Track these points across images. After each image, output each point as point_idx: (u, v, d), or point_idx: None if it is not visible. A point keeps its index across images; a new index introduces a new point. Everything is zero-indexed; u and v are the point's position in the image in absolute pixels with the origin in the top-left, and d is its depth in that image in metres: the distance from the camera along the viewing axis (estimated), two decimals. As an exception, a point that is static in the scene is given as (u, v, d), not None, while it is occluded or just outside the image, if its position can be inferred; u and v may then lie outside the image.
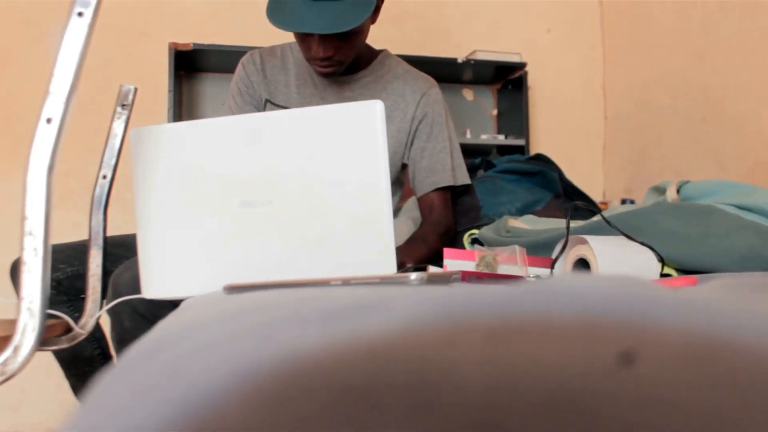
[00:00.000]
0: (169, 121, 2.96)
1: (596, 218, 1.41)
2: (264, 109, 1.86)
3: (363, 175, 1.14)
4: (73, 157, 2.74)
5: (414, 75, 1.91)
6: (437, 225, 1.80)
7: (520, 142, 3.31)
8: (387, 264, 1.11)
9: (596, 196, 3.54)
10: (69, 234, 2.06)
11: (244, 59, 1.91)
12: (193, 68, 3.24)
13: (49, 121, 1.02)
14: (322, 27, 1.56)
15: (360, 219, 1.13)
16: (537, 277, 0.75)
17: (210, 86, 3.28)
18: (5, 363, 1.00)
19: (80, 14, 1.03)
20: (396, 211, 2.03)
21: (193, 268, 1.20)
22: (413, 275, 0.64)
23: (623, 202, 3.30)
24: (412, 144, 1.86)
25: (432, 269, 0.97)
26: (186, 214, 1.19)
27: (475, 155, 3.41)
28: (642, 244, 0.97)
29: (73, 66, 1.02)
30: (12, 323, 1.03)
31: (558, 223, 1.47)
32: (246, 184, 1.17)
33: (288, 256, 1.15)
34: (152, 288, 1.23)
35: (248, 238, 1.17)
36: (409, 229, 1.85)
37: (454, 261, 0.91)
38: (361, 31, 1.69)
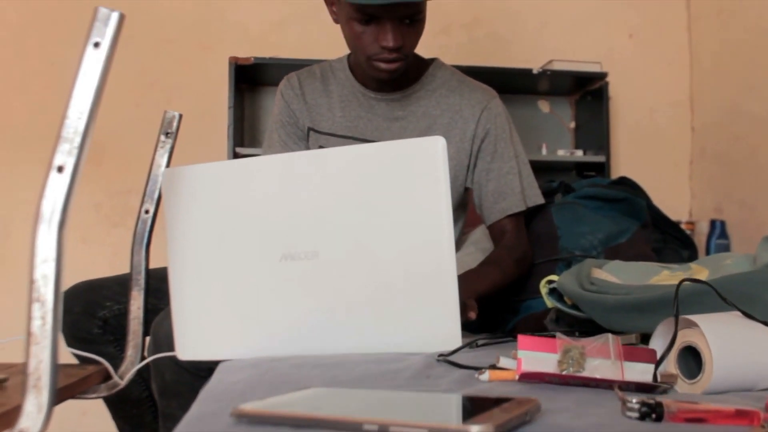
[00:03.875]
0: (229, 138, 2.85)
1: (692, 269, 1.21)
2: (307, 138, 1.71)
3: (422, 225, 0.98)
4: (134, 174, 2.66)
5: (471, 86, 1.71)
6: (513, 249, 1.62)
7: (600, 158, 3.09)
8: (450, 335, 0.95)
9: (682, 216, 3.30)
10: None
11: (281, 86, 1.75)
12: (255, 82, 3.13)
13: (60, 169, 0.88)
14: None
15: (418, 277, 0.97)
16: (640, 402, 0.57)
17: (272, 100, 3.16)
18: (8, 449, 0.87)
19: (96, 45, 0.89)
20: (460, 242, 1.84)
21: (229, 328, 1.07)
22: (474, 429, 0.47)
23: (712, 223, 3.05)
24: (475, 166, 1.68)
25: (503, 361, 0.80)
26: (223, 268, 1.06)
27: (551, 172, 3.22)
28: (765, 323, 0.78)
29: (88, 105, 0.88)
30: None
31: (648, 270, 1.27)
32: (288, 233, 1.02)
33: (333, 321, 1.00)
34: (187, 349, 1.11)
35: (290, 297, 1.02)
36: (472, 266, 1.66)
37: (530, 353, 0.74)
38: (424, 19, 1.54)
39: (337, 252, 1.00)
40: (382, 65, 1.53)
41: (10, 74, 3.04)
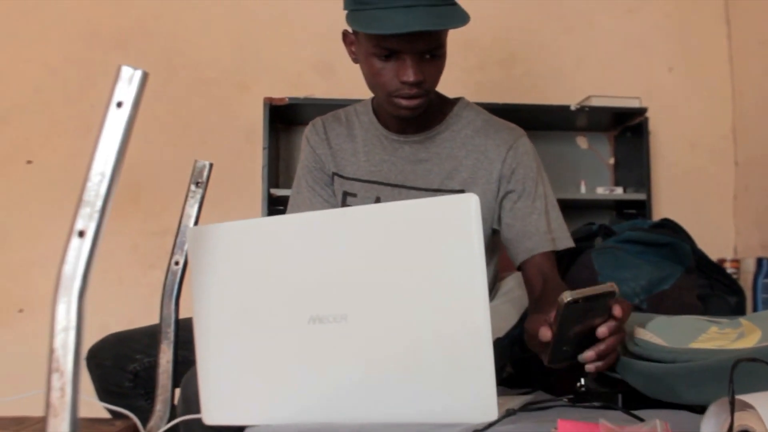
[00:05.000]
0: (263, 179, 2.83)
1: (742, 326, 1.15)
2: (332, 183, 1.68)
3: (455, 287, 0.94)
4: (171, 215, 2.65)
5: (496, 126, 1.65)
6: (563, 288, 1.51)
7: (641, 196, 3.02)
8: (485, 404, 0.90)
9: (727, 254, 3.20)
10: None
11: (306, 131, 1.73)
12: (290, 122, 3.13)
13: (81, 234, 0.85)
14: (433, 24, 1.39)
15: (451, 342, 0.93)
16: None
17: (307, 140, 3.16)
18: None
19: (119, 104, 0.86)
20: (493, 290, 1.76)
21: (256, 393, 1.03)
22: None
23: (759, 261, 2.95)
24: (501, 207, 1.61)
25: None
26: (249, 330, 1.03)
27: (590, 211, 3.16)
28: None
29: (110, 167, 0.86)
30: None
31: (695, 326, 1.21)
32: (317, 295, 0.99)
33: (362, 387, 0.96)
34: (213, 413, 1.07)
35: (318, 362, 0.98)
36: (507, 317, 1.60)
37: (571, 439, 0.69)
38: (445, 55, 1.51)
39: (366, 315, 0.96)
40: (403, 102, 1.49)
41: (53, 116, 3.07)
